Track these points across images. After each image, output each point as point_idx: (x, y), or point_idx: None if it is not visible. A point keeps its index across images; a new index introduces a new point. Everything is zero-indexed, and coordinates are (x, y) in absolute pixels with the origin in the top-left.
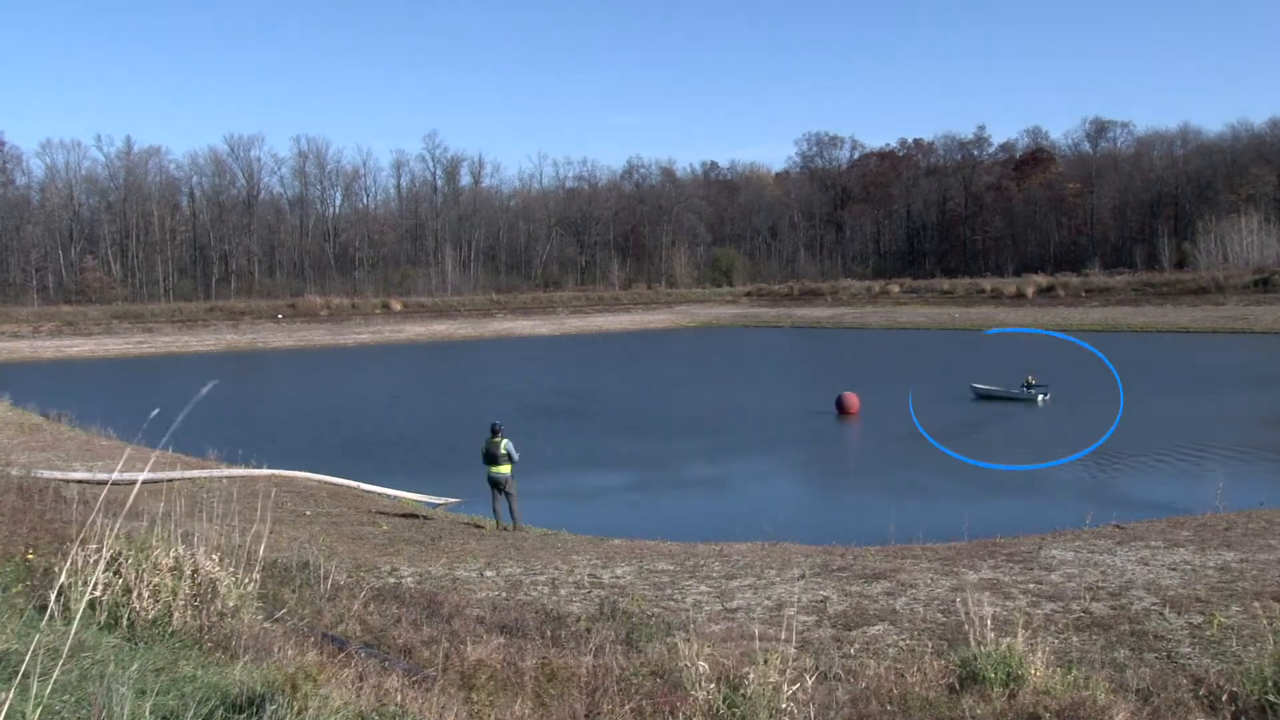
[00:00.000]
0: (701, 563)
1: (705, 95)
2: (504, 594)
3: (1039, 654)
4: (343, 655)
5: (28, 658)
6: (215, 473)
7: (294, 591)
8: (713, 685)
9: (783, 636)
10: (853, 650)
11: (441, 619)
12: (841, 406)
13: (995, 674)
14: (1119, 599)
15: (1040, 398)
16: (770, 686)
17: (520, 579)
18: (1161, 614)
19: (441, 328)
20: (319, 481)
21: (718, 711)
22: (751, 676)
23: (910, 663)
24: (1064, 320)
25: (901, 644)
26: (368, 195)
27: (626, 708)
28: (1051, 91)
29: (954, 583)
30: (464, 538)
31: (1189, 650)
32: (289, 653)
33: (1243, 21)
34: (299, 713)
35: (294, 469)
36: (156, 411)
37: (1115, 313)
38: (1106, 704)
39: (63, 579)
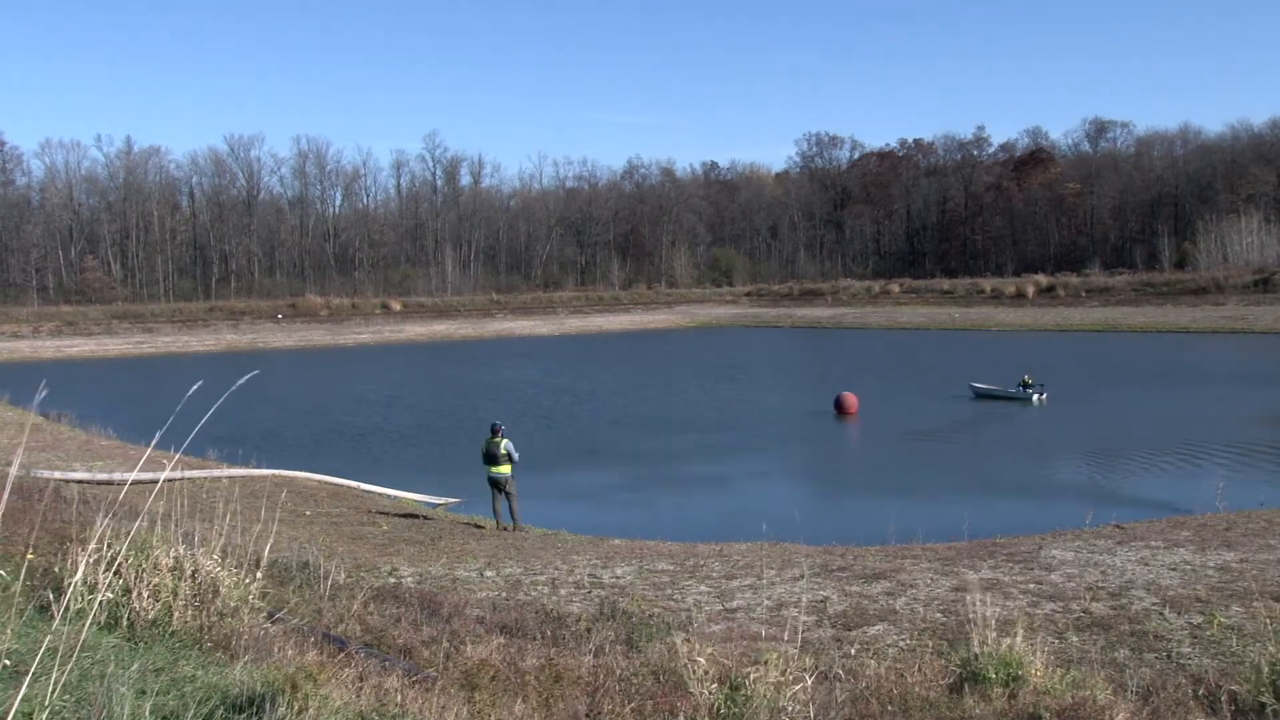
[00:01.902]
0: (701, 563)
1: (705, 95)
2: (504, 594)
3: (1039, 654)
4: (343, 655)
5: (28, 657)
6: (215, 473)
7: (294, 591)
8: (713, 685)
9: (783, 636)
10: (853, 650)
11: (441, 619)
12: (840, 406)
13: (996, 674)
14: (1119, 599)
15: (1036, 397)
16: (771, 686)
17: (520, 579)
18: (1161, 614)
19: (441, 328)
20: (319, 481)
21: (718, 711)
22: (752, 676)
23: (910, 663)
24: (1064, 320)
25: (901, 644)
26: (368, 195)
27: (627, 708)
28: (1051, 91)
29: (954, 583)
30: (464, 538)
31: (1189, 650)
32: (289, 653)
33: (1243, 21)
34: (299, 713)
35: (294, 469)
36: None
37: (1115, 313)
38: (1106, 704)
39: (63, 579)
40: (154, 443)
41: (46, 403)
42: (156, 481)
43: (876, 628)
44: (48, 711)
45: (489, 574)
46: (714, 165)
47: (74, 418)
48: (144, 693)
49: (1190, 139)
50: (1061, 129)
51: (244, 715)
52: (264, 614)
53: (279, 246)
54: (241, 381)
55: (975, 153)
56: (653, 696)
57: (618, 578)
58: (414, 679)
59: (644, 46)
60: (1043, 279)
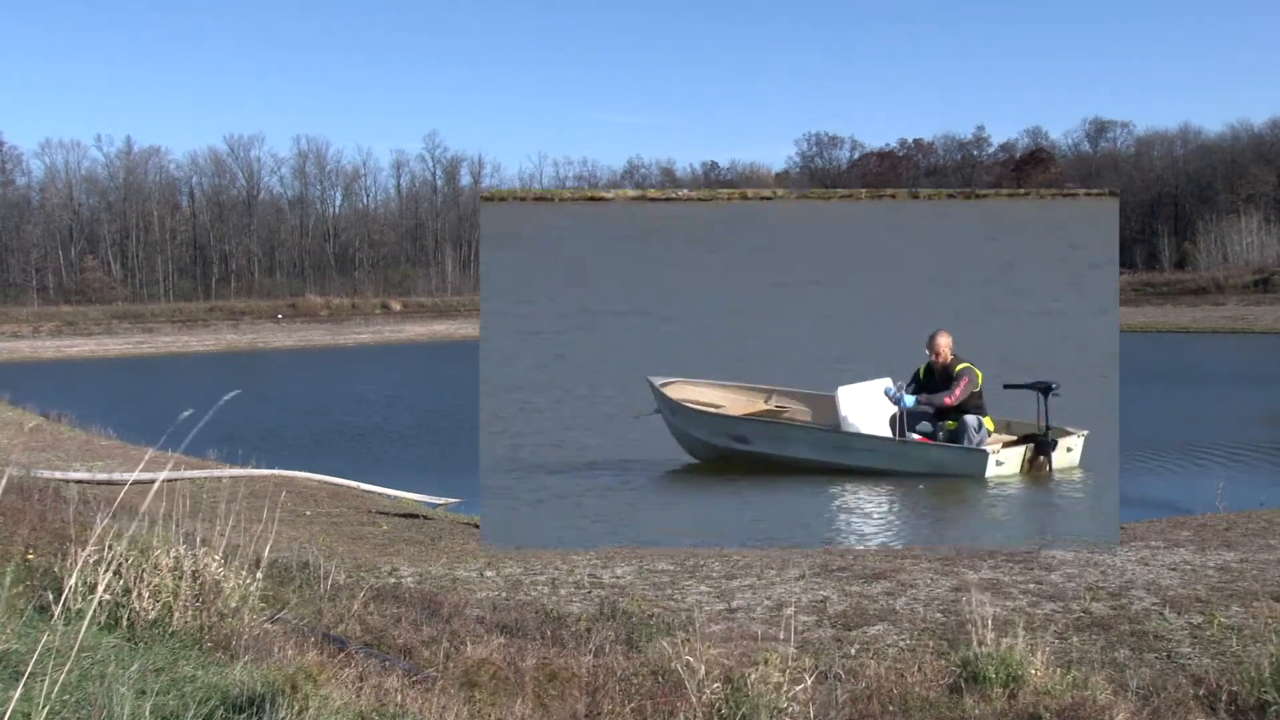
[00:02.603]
0: (701, 563)
1: (705, 95)
2: (504, 594)
3: (1039, 654)
4: (343, 655)
5: (28, 657)
6: (216, 473)
7: (294, 592)
8: (713, 685)
9: (783, 637)
10: (853, 650)
11: (441, 619)
12: None
13: (996, 674)
14: (1119, 599)
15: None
16: (771, 686)
17: (520, 579)
18: (1161, 614)
19: (441, 328)
20: (319, 482)
21: (718, 711)
22: (752, 677)
23: (910, 663)
24: None
25: (901, 644)
26: (368, 195)
27: (627, 708)
28: (1051, 91)
29: (954, 583)
30: (464, 538)
31: (1189, 650)
32: (289, 653)
33: (1243, 21)
34: (299, 713)
35: (294, 469)
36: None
37: None
38: (1106, 704)
39: (63, 579)
40: (150, 451)
41: (47, 403)
42: (158, 482)
43: (876, 628)
44: (47, 711)
45: (489, 574)
46: (714, 165)
47: (74, 418)
48: (144, 693)
49: (1190, 139)
50: (1061, 129)
51: (244, 715)
52: (264, 614)
53: (279, 246)
54: (224, 400)
55: (975, 153)
56: (653, 696)
57: (618, 578)
58: (414, 679)
59: (644, 46)
60: None
